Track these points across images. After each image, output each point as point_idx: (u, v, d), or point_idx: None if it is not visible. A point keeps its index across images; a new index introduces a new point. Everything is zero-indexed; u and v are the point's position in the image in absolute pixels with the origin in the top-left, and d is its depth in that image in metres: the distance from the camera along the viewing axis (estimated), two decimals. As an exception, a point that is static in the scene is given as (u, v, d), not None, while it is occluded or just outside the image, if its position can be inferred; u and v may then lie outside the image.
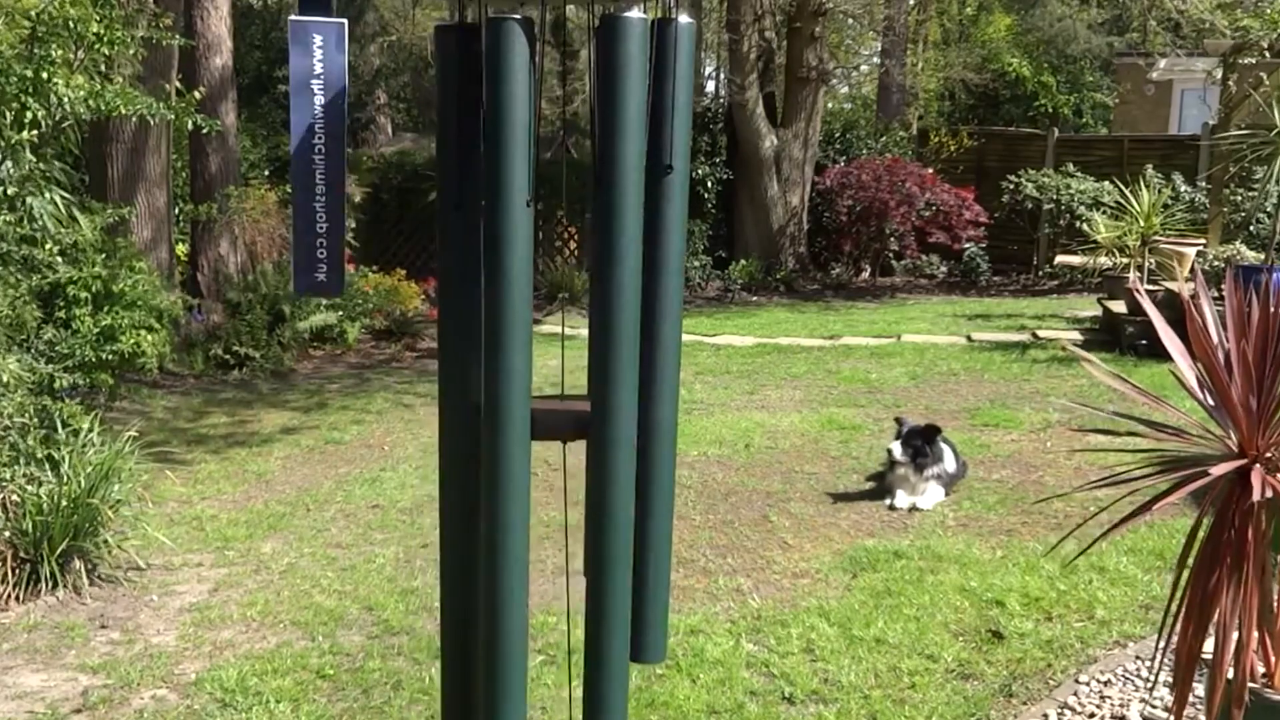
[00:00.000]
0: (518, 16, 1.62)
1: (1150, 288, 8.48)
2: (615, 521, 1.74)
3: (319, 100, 1.81)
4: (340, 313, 9.51)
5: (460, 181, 1.76)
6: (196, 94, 5.77)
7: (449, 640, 1.90)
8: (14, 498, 4.25)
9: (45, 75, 4.47)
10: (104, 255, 6.58)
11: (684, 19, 1.73)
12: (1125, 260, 9.92)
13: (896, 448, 5.12)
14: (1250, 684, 2.52)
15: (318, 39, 1.78)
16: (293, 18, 1.79)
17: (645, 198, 1.71)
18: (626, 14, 1.62)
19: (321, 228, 1.86)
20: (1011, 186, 12.54)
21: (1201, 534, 2.56)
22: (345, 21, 1.81)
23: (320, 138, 1.82)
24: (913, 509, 5.11)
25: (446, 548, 1.88)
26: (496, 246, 1.66)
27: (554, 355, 8.33)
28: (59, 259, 5.69)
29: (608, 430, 1.72)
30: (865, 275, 13.53)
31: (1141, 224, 9.38)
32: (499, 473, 1.70)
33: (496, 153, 1.64)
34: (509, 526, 1.71)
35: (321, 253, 1.87)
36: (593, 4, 1.72)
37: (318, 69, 1.79)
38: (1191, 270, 8.74)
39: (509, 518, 1.70)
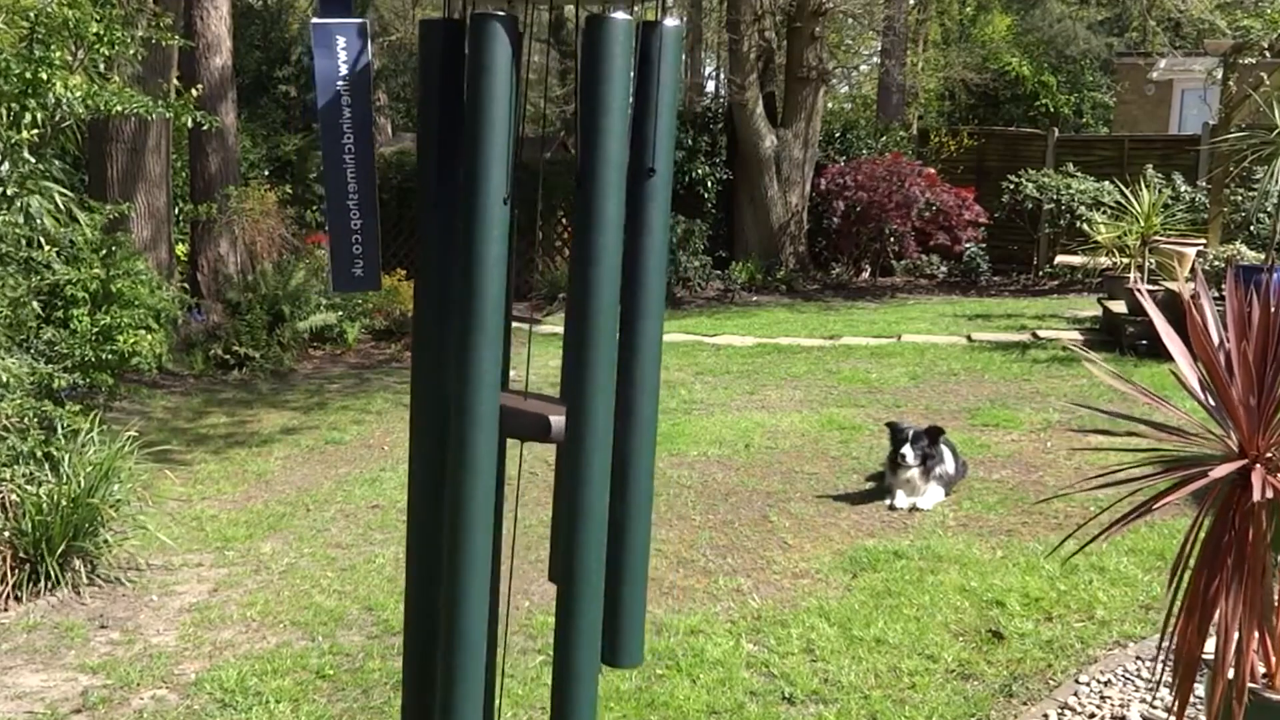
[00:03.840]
0: (502, 14, 1.62)
1: (1150, 288, 8.48)
2: (589, 525, 1.73)
3: (345, 100, 1.83)
4: (340, 313, 9.51)
5: (440, 178, 1.76)
6: (194, 92, 5.76)
7: (411, 644, 1.88)
8: (14, 497, 4.25)
9: (44, 76, 4.47)
10: (103, 255, 6.57)
11: (671, 22, 1.72)
12: (1125, 260, 9.92)
13: (909, 452, 5.10)
14: (1250, 684, 2.52)
15: (340, 40, 1.80)
16: (315, 20, 1.81)
17: (628, 199, 1.71)
18: (610, 14, 1.62)
19: (356, 224, 1.89)
20: (1011, 186, 12.54)
21: (1202, 534, 2.56)
22: (366, 20, 1.83)
23: (349, 136, 1.84)
24: (913, 509, 5.11)
25: (412, 543, 1.87)
26: (471, 243, 1.66)
27: (554, 355, 8.33)
28: (58, 259, 5.69)
29: (584, 434, 1.71)
30: (865, 275, 13.53)
31: (1141, 224, 9.37)
32: (465, 471, 1.69)
33: (475, 150, 1.64)
34: (472, 523, 1.70)
35: (358, 249, 1.90)
36: (580, 3, 1.72)
37: (342, 69, 1.81)
38: (1192, 270, 8.74)
39: (472, 514, 1.69)
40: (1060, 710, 3.26)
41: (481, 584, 1.72)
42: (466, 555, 1.70)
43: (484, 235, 1.65)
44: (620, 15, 1.62)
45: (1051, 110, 19.00)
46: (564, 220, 12.73)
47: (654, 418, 1.84)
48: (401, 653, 1.92)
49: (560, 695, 1.78)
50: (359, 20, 1.81)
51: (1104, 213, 11.08)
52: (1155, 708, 3.24)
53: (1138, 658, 3.56)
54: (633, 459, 1.83)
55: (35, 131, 4.53)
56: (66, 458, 4.43)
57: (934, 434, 5.19)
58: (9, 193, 4.53)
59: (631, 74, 1.69)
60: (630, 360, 1.79)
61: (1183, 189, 11.56)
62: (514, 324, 1.87)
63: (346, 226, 1.89)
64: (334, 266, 1.91)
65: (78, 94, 4.62)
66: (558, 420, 1.73)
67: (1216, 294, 5.15)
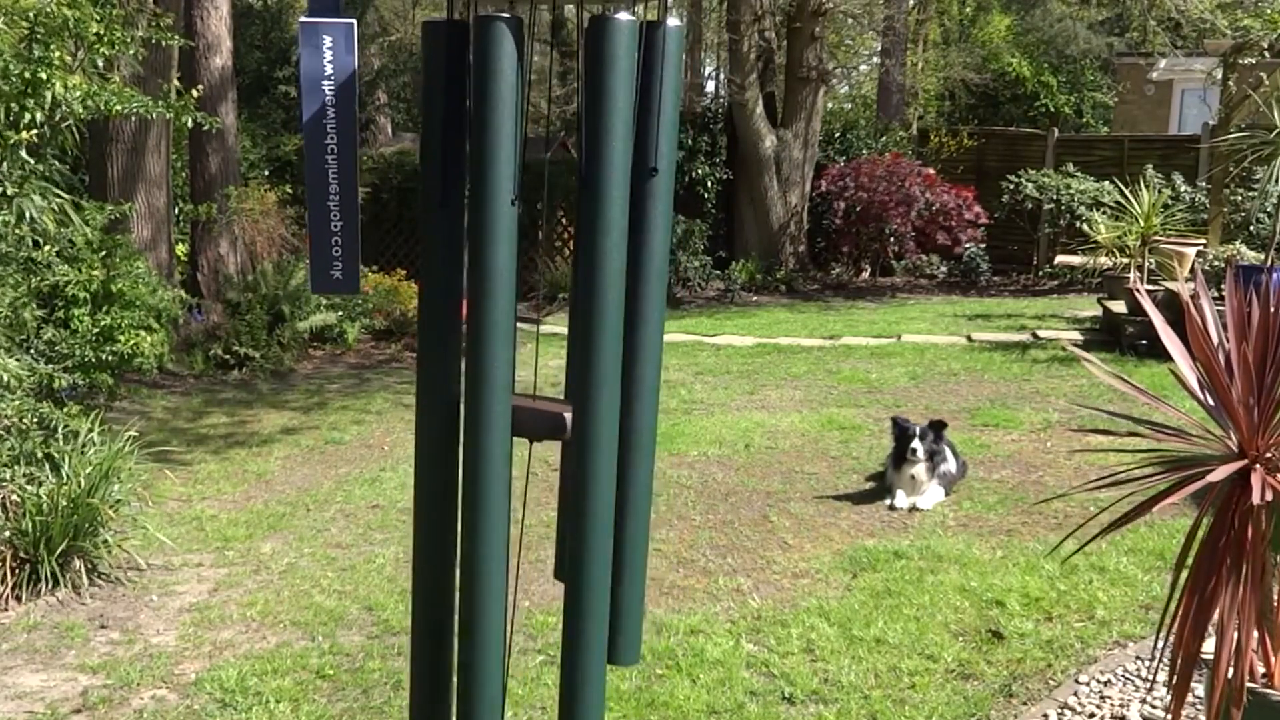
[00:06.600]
0: (507, 15, 1.62)
1: (1150, 288, 8.48)
2: (595, 524, 1.74)
3: (330, 100, 1.82)
4: (340, 313, 9.51)
5: (445, 179, 1.76)
6: (195, 93, 5.75)
7: (419, 636, 1.89)
8: (14, 497, 4.25)
9: (44, 76, 4.47)
10: (103, 255, 6.57)
11: (673, 22, 1.73)
12: (1125, 260, 9.92)
13: (919, 447, 5.12)
14: (1250, 684, 2.52)
15: (327, 40, 1.80)
16: (302, 19, 1.80)
17: (630, 199, 1.71)
18: (615, 15, 1.62)
19: (336, 226, 1.89)
20: (1011, 186, 12.54)
21: (1201, 534, 2.56)
22: (354, 22, 1.82)
23: (332, 137, 1.84)
24: (913, 509, 5.11)
25: (419, 541, 1.87)
26: (480, 244, 1.66)
27: (554, 355, 8.33)
28: (57, 259, 5.69)
29: (590, 434, 1.72)
30: (865, 275, 13.53)
31: (1141, 224, 9.37)
32: (479, 470, 1.70)
33: (482, 151, 1.64)
34: (488, 523, 1.70)
35: (337, 250, 1.90)
36: (583, 4, 1.72)
37: (328, 69, 1.81)
38: (1192, 270, 8.74)
39: (488, 515, 1.70)
40: (1060, 710, 3.26)
41: (498, 583, 1.73)
42: (483, 556, 1.72)
43: (493, 237, 1.66)
44: (624, 16, 1.63)
45: (1051, 110, 18.99)
46: (564, 220, 12.74)
47: (654, 418, 1.85)
48: (410, 655, 1.92)
49: (569, 693, 1.78)
50: (347, 21, 1.80)
51: (1104, 213, 11.07)
52: (1155, 707, 3.24)
53: (1137, 658, 3.56)
54: (632, 458, 1.84)
55: (34, 132, 4.53)
56: (66, 458, 4.43)
57: (938, 428, 5.22)
58: (9, 193, 4.53)
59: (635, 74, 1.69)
60: (630, 360, 1.80)
61: (1183, 189, 11.56)
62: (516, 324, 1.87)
63: (326, 228, 1.88)
64: (313, 268, 1.90)
65: (77, 94, 4.62)
66: (571, 418, 1.75)
67: (1216, 294, 5.15)
